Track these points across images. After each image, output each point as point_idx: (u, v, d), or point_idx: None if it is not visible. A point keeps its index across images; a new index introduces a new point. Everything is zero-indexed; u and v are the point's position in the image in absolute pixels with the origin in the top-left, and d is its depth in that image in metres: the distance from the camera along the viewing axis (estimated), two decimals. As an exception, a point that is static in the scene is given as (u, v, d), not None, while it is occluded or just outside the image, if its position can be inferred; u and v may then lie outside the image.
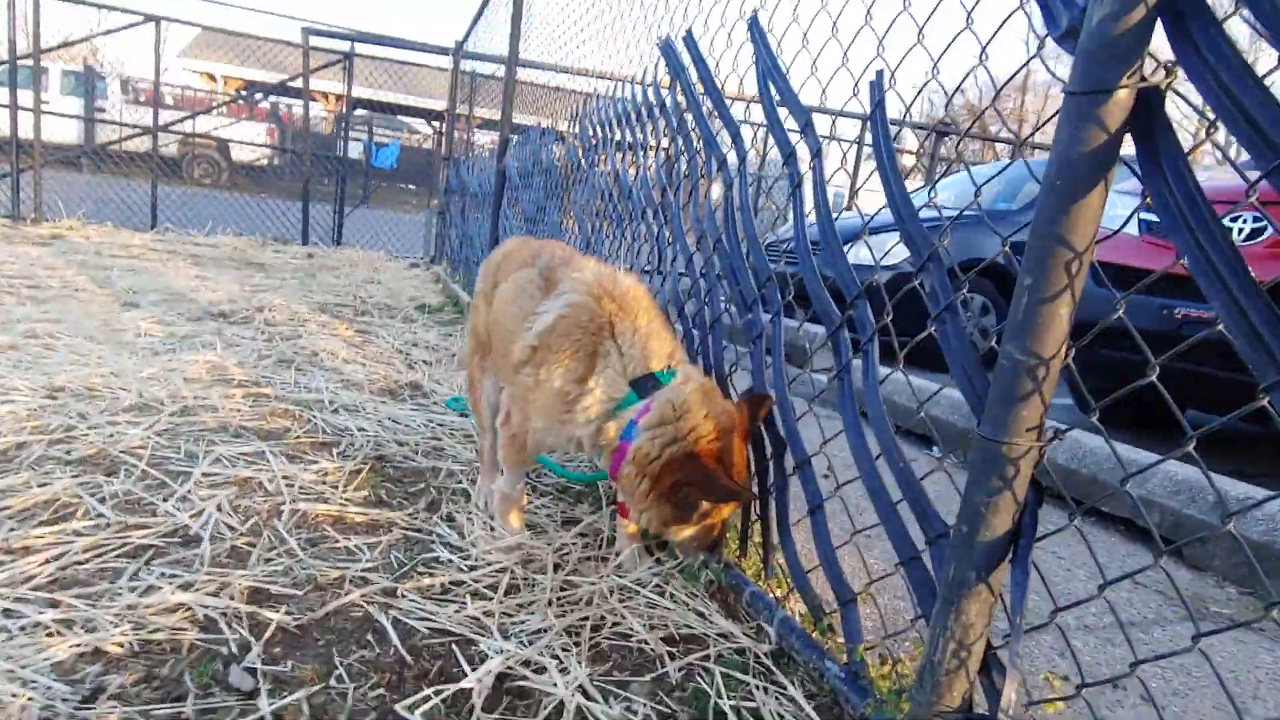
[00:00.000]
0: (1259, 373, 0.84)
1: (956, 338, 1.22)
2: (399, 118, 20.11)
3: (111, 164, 9.99)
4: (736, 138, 2.01)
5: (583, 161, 3.50)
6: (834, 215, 1.60)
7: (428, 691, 1.37)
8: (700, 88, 2.21)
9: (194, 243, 7.86)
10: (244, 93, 15.09)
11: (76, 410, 2.49)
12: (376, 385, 3.38)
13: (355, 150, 15.90)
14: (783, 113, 1.78)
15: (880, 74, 1.45)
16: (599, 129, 3.24)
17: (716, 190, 2.09)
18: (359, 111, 15.65)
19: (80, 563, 1.63)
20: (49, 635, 1.38)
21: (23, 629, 1.39)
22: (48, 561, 1.61)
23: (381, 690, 1.37)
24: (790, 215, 1.75)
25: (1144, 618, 2.14)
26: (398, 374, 3.64)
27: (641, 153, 2.67)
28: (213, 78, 20.70)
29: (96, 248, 6.51)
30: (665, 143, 2.49)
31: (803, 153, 1.72)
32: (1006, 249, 1.19)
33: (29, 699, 1.20)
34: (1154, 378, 0.99)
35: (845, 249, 1.55)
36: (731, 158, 2.05)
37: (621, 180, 2.89)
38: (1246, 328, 0.84)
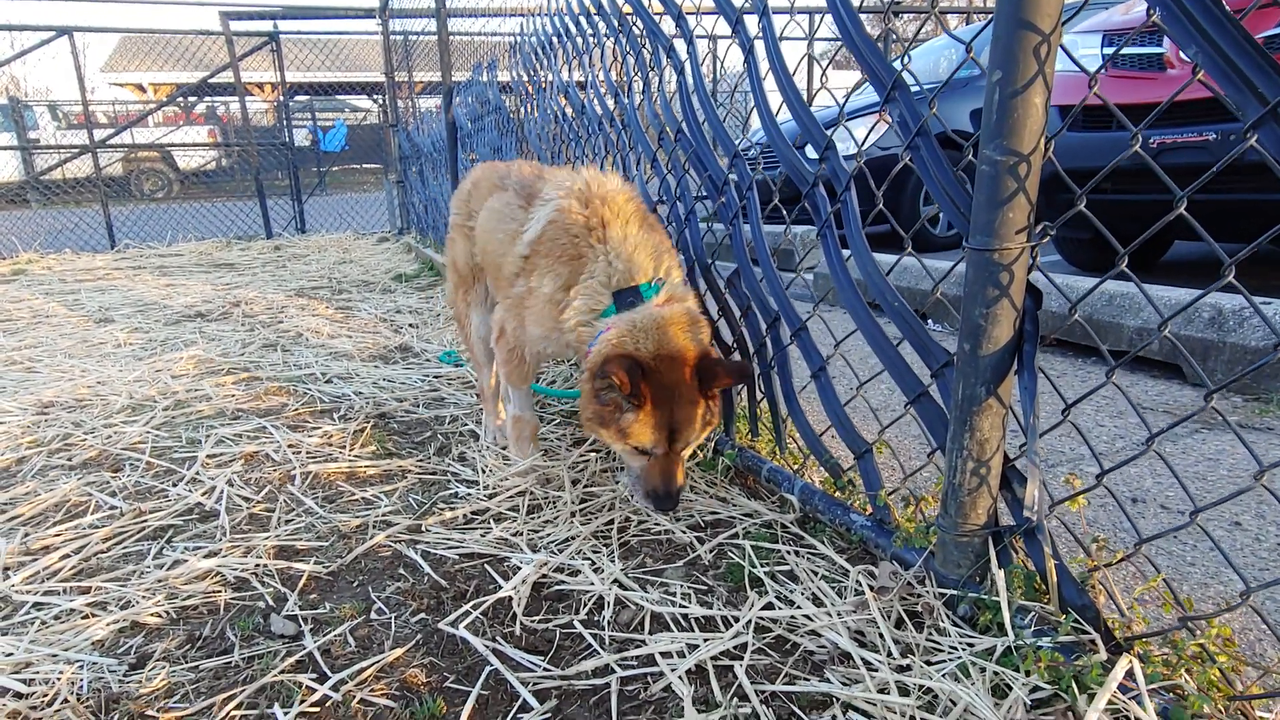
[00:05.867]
0: (1243, 111, 0.81)
1: (932, 159, 1.19)
2: (339, 98, 19.46)
3: (60, 194, 9.70)
4: (680, 20, 1.93)
5: (529, 88, 3.39)
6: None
7: (467, 607, 1.38)
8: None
9: (157, 254, 7.69)
10: (176, 97, 14.55)
11: (70, 420, 2.46)
12: (366, 353, 3.35)
13: (302, 138, 15.42)
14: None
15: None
16: (540, 50, 3.12)
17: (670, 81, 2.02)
18: (299, 98, 15.12)
19: (102, 552, 1.63)
20: (84, 618, 1.38)
21: (56, 617, 1.39)
22: (69, 555, 1.61)
23: (422, 614, 1.38)
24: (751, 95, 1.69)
25: (1155, 437, 2.17)
26: (385, 340, 3.60)
27: (587, 59, 2.57)
28: (142, 88, 19.93)
29: (60, 275, 6.36)
30: (609, 45, 2.39)
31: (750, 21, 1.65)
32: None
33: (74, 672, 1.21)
34: (1183, 209, 0.93)
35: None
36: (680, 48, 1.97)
37: (571, 96, 2.79)
38: (1226, 66, 0.81)
